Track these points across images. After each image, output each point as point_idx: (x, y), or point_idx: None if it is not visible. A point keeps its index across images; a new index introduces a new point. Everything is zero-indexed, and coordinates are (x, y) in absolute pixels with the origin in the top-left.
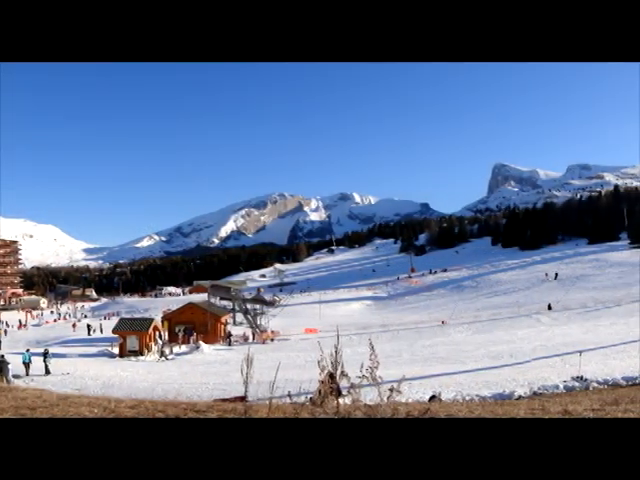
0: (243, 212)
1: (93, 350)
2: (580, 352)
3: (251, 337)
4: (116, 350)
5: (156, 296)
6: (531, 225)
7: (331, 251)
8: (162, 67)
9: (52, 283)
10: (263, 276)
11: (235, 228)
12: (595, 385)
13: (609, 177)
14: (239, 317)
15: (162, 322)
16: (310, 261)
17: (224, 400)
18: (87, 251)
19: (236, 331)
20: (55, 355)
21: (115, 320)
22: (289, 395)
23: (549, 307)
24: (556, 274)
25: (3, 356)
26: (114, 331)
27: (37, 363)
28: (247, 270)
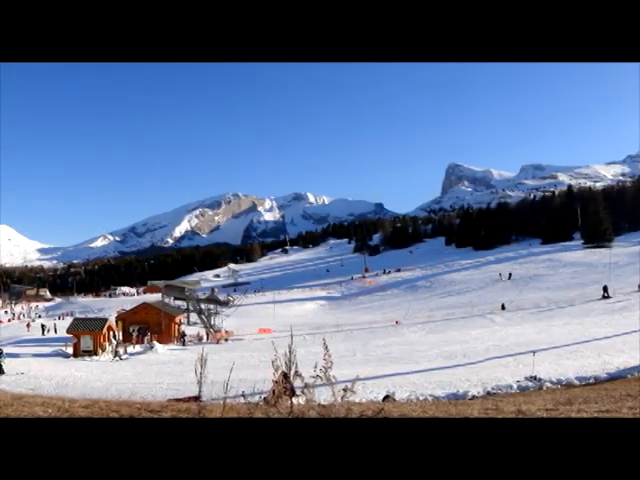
0: (197, 212)
1: (47, 350)
2: (533, 352)
3: (205, 337)
4: (70, 350)
5: (110, 296)
6: (485, 225)
7: (285, 251)
8: (117, 66)
9: (6, 283)
10: (217, 276)
11: (189, 228)
12: (549, 385)
13: (563, 177)
14: (193, 317)
15: (116, 322)
16: (264, 261)
17: (178, 400)
18: (41, 251)
19: (190, 331)
20: (9, 355)
21: (69, 320)
22: (243, 395)
23: (503, 307)
24: (510, 274)
25: None
26: (68, 331)
27: None
28: (201, 270)
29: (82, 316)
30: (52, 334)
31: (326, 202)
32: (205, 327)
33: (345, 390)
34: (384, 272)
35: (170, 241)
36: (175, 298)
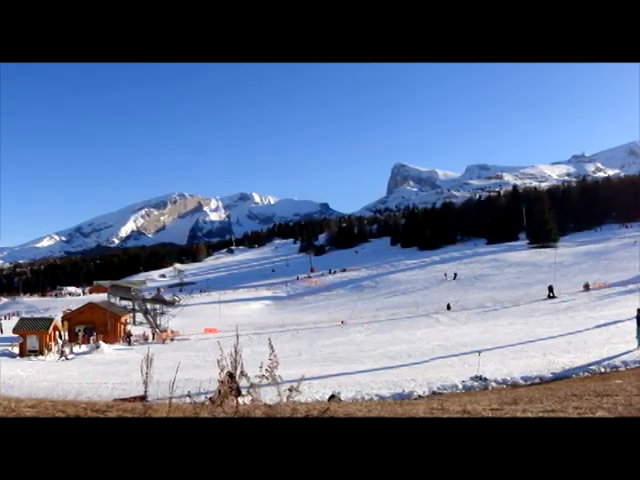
0: (143, 212)
1: None
2: (479, 352)
3: (151, 337)
4: (16, 350)
5: (56, 296)
6: (430, 225)
7: (231, 251)
8: (64, 65)
9: None
10: (163, 276)
11: (135, 228)
12: (494, 385)
13: (508, 177)
14: (139, 317)
15: (62, 322)
16: (210, 261)
17: (124, 400)
18: None
19: (136, 331)
20: None
21: (15, 320)
22: (189, 395)
23: (448, 307)
24: (455, 274)
25: None
26: (14, 331)
27: None
28: (147, 270)
29: (28, 316)
30: None
31: (272, 202)
32: (151, 327)
33: (291, 390)
34: (330, 272)
35: (116, 241)
36: (121, 298)
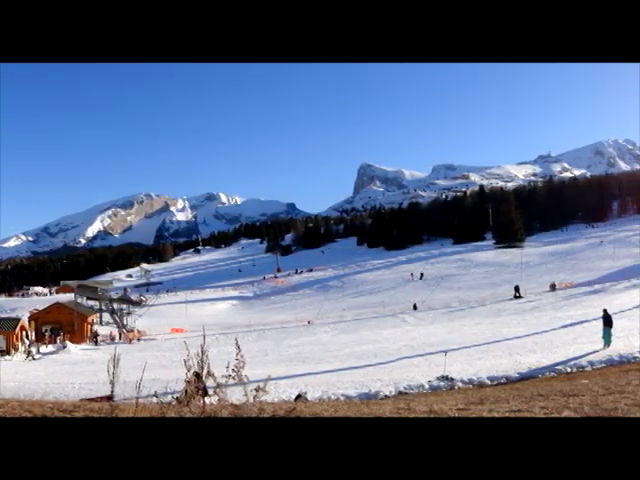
0: (110, 212)
1: None
2: (445, 352)
3: (118, 337)
4: None
5: (23, 296)
6: (396, 225)
7: (197, 251)
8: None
9: None
10: (130, 276)
11: (102, 228)
12: (460, 385)
13: (474, 177)
14: (106, 317)
15: (29, 322)
16: (176, 261)
17: (91, 400)
18: None
19: (103, 331)
20: None
21: None
22: (155, 395)
23: (414, 307)
24: (421, 274)
25: None
26: None
27: None
28: (113, 270)
29: None
30: None
31: (238, 202)
32: (118, 327)
33: (257, 390)
34: (296, 272)
35: (83, 241)
36: (88, 298)
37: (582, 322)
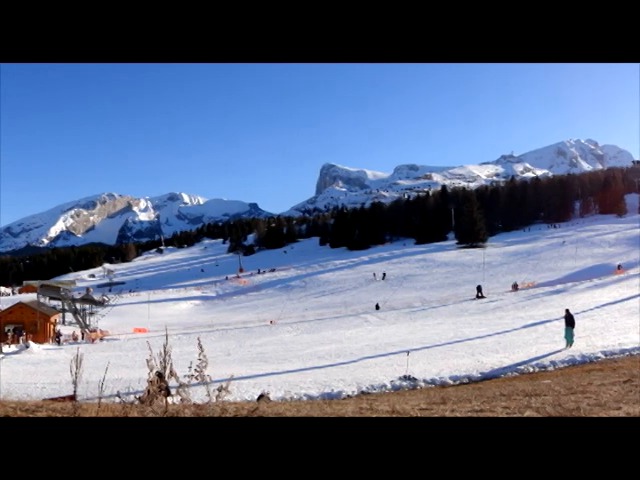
0: (72, 212)
1: None
2: (407, 352)
3: (81, 337)
4: None
5: None
6: (359, 225)
7: (160, 251)
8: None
9: None
10: (92, 276)
11: (64, 228)
12: (423, 384)
13: (437, 177)
14: (69, 317)
15: None
16: (139, 261)
17: (53, 399)
18: None
19: (66, 331)
20: None
21: None
22: (118, 395)
23: (377, 307)
24: (384, 274)
25: None
26: None
27: None
28: (76, 270)
29: None
30: None
31: (201, 202)
32: (80, 327)
33: (220, 390)
34: (259, 272)
35: (45, 241)
36: (51, 298)
37: (544, 322)
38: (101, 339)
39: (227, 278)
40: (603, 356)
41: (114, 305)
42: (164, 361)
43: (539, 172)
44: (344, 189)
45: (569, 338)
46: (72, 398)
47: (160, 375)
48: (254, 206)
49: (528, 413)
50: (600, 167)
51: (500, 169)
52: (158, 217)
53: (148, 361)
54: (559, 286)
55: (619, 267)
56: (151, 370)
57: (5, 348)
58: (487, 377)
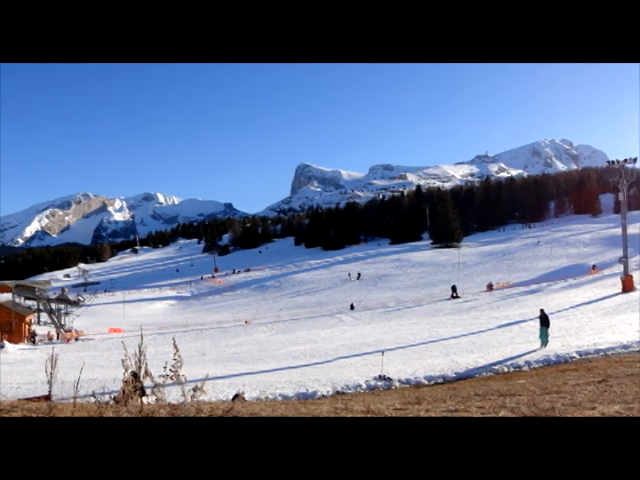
0: (47, 212)
1: None
2: (382, 352)
3: (56, 337)
4: None
5: None
6: (334, 225)
7: (135, 251)
8: None
9: None
10: (67, 276)
11: (39, 228)
12: (398, 384)
13: (412, 177)
14: (44, 317)
15: None
16: (114, 261)
17: (28, 399)
18: None
19: (41, 331)
20: None
21: None
22: (93, 395)
23: (351, 307)
24: (359, 274)
25: None
26: None
27: None
28: (51, 270)
29: None
30: None
31: (176, 202)
32: (56, 327)
33: (195, 390)
34: (234, 272)
35: (20, 241)
36: (26, 298)
37: (519, 322)
38: (76, 339)
39: (202, 278)
40: (578, 356)
41: (89, 305)
42: (139, 361)
43: (514, 172)
44: (319, 189)
45: (544, 338)
46: (47, 398)
47: (135, 375)
48: (229, 206)
49: (503, 413)
50: (575, 167)
51: (475, 169)
52: (133, 217)
53: (123, 361)
54: (534, 286)
55: (594, 267)
56: (126, 370)
57: None
58: (462, 377)
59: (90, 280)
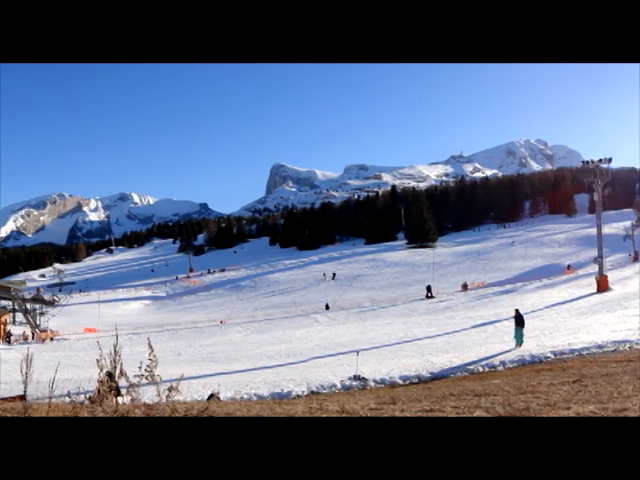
0: (23, 212)
1: None
2: (357, 352)
3: (31, 337)
4: None
5: None
6: (309, 225)
7: (110, 251)
8: None
9: None
10: (43, 276)
11: (15, 228)
12: (373, 384)
13: (387, 177)
14: (19, 317)
15: None
16: (89, 261)
17: (3, 399)
18: None
19: (16, 331)
20: None
21: None
22: (68, 394)
23: (326, 307)
24: (334, 274)
25: None
26: None
27: None
28: (26, 270)
29: None
30: None
31: (151, 202)
32: (31, 327)
33: (170, 389)
34: (209, 272)
35: None
36: (1, 298)
37: (494, 322)
38: (51, 339)
39: (177, 278)
40: (552, 356)
41: (64, 305)
42: (114, 361)
43: (489, 172)
44: (294, 189)
45: (519, 338)
46: (22, 398)
47: (110, 375)
48: (204, 206)
49: (478, 413)
50: (549, 167)
51: (450, 169)
52: (108, 217)
53: (98, 361)
54: (509, 286)
55: (568, 267)
56: (101, 370)
57: None
58: (437, 377)
59: (65, 280)
